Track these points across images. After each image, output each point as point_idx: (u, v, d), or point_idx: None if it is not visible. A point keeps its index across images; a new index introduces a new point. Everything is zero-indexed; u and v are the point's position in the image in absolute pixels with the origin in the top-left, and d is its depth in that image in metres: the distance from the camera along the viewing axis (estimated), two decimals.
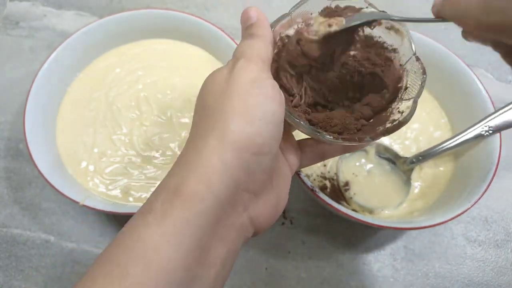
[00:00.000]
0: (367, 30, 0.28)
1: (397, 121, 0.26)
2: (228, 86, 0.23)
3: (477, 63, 0.56)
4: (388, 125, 0.26)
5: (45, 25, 0.56)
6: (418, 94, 0.26)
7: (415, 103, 0.26)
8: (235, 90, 0.23)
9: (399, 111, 0.27)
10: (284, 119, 0.24)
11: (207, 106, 0.24)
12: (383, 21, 0.27)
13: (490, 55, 0.57)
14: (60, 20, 0.57)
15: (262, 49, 0.25)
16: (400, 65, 0.28)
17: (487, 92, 0.43)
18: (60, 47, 0.44)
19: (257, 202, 0.25)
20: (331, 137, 0.25)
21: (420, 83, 0.26)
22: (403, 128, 0.46)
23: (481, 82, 0.43)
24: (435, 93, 0.48)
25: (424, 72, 0.26)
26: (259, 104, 0.22)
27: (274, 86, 0.23)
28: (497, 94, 0.46)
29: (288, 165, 0.28)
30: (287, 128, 0.27)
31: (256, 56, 0.24)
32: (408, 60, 0.27)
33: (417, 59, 0.27)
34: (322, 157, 0.30)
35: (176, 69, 0.48)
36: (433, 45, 0.45)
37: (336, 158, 0.44)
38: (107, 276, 0.19)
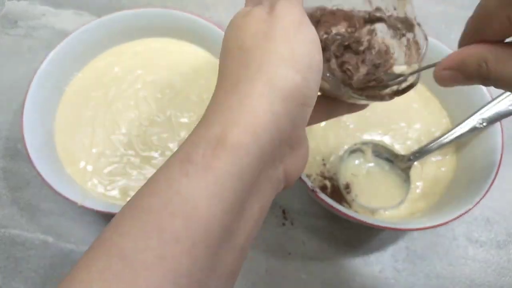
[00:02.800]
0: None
1: (408, 83, 0.26)
2: (270, 28, 0.21)
3: None
4: (402, 85, 0.27)
5: (44, 24, 0.56)
6: (421, 59, 0.27)
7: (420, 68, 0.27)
8: (279, 33, 0.21)
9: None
10: None
11: (245, 47, 0.21)
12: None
13: None
14: (58, 19, 0.56)
15: None
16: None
17: (489, 91, 0.43)
18: (59, 46, 0.44)
19: (292, 155, 0.24)
20: (356, 95, 0.25)
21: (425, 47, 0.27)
22: (405, 128, 0.47)
23: None
24: (436, 92, 0.48)
25: (426, 38, 0.27)
26: (307, 51, 0.21)
27: (316, 33, 0.22)
28: (498, 92, 0.46)
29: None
30: None
31: None
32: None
33: (418, 25, 0.28)
34: (329, 115, 0.29)
35: (176, 68, 0.48)
36: (434, 45, 0.45)
37: (335, 158, 0.43)
38: (143, 228, 0.18)
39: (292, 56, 0.20)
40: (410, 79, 0.27)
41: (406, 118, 0.46)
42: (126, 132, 0.44)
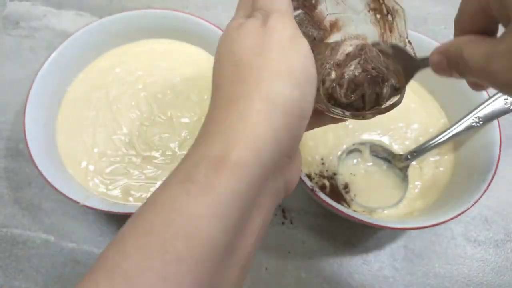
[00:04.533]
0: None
1: (391, 103, 0.27)
2: (265, 42, 0.21)
3: None
4: (385, 104, 0.27)
5: (45, 25, 0.56)
6: (409, 80, 0.27)
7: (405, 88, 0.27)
8: (274, 47, 0.21)
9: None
10: None
11: (241, 63, 0.21)
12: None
13: None
14: (60, 20, 0.57)
15: (289, 4, 0.23)
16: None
17: (487, 92, 0.43)
18: (60, 47, 0.44)
19: (291, 165, 0.24)
20: (340, 112, 0.25)
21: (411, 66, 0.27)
22: (403, 128, 0.47)
23: None
24: (434, 93, 0.48)
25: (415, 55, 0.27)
26: (302, 65, 0.21)
27: (309, 46, 0.22)
28: (495, 92, 0.46)
29: None
30: None
31: (289, 10, 0.22)
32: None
33: (410, 43, 0.28)
34: (312, 126, 0.29)
35: (176, 69, 0.48)
36: (433, 45, 0.45)
37: (334, 158, 0.44)
38: (146, 249, 0.18)
39: (289, 70, 0.20)
40: (394, 98, 0.27)
41: (405, 118, 0.47)
42: (127, 132, 0.44)
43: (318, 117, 0.29)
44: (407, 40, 0.27)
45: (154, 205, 0.19)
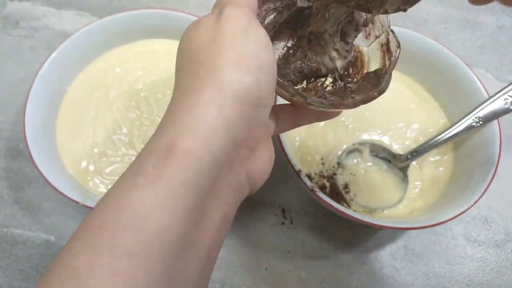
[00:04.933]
0: None
1: (376, 92, 0.26)
2: (217, 35, 0.21)
3: (477, 63, 0.56)
4: (368, 93, 0.26)
5: (45, 25, 0.56)
6: (392, 67, 0.26)
7: (389, 75, 0.26)
8: (225, 38, 0.21)
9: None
10: None
11: (194, 57, 0.21)
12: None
13: (490, 55, 0.57)
14: (60, 20, 0.57)
15: None
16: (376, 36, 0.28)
17: (487, 92, 0.43)
18: (60, 47, 0.44)
19: (253, 158, 0.23)
20: (319, 101, 0.25)
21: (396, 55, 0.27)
22: (403, 128, 0.47)
23: (481, 82, 0.43)
24: (434, 93, 0.48)
25: (398, 46, 0.27)
26: (254, 53, 0.20)
27: (265, 35, 0.22)
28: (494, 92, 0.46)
29: (273, 125, 0.27)
30: None
31: (244, 2, 0.22)
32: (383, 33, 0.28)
33: (392, 32, 0.27)
34: (296, 123, 0.29)
35: None
36: (433, 45, 0.45)
37: (334, 158, 0.44)
38: (95, 244, 0.17)
39: (240, 58, 0.20)
40: (382, 83, 0.26)
41: (405, 118, 0.47)
42: (127, 132, 0.44)
43: (303, 114, 0.28)
44: (389, 30, 0.27)
45: (106, 200, 0.19)
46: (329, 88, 0.29)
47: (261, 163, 0.24)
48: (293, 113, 0.28)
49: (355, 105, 0.25)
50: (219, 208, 0.21)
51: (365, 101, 0.25)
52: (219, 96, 0.20)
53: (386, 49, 0.28)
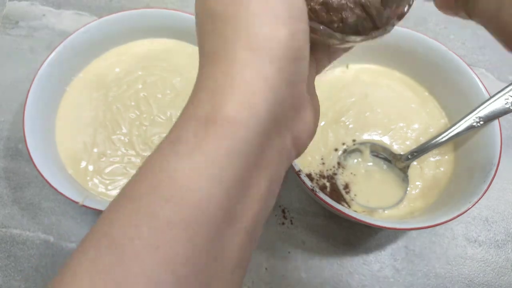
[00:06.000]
0: None
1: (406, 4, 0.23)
2: None
3: (477, 63, 0.56)
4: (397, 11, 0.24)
5: (45, 25, 0.56)
6: None
7: None
8: None
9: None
10: None
11: (217, 15, 0.19)
12: None
13: (490, 55, 0.57)
14: (59, 20, 0.56)
15: None
16: None
17: (487, 91, 0.43)
18: (60, 46, 0.44)
19: (298, 118, 0.21)
20: (359, 38, 0.22)
21: None
22: (404, 129, 0.47)
23: (481, 82, 0.43)
24: (435, 93, 0.48)
25: None
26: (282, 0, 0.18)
27: None
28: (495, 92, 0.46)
29: (314, 69, 0.25)
30: None
31: None
32: None
33: None
34: (329, 59, 0.27)
35: (176, 68, 0.48)
36: (433, 45, 0.45)
37: (334, 157, 0.44)
38: (133, 215, 0.16)
39: (268, 9, 0.18)
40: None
41: (405, 119, 0.46)
42: (127, 132, 0.44)
43: (324, 51, 0.26)
44: None
45: (143, 170, 0.18)
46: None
47: (306, 122, 0.22)
48: (326, 47, 0.26)
49: (392, 25, 0.23)
50: (265, 177, 0.19)
51: (400, 17, 0.23)
52: (254, 56, 0.18)
53: None
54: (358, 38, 0.23)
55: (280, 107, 0.19)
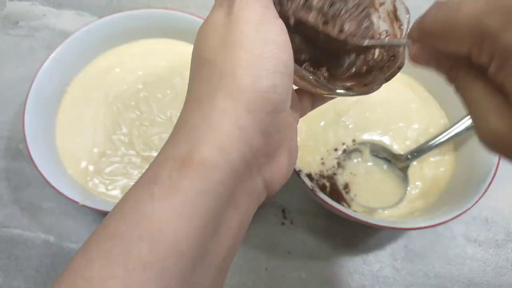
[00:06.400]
0: None
1: (395, 68, 0.24)
2: (228, 34, 0.19)
3: None
4: (386, 72, 0.25)
5: (45, 25, 0.56)
6: (405, 36, 0.25)
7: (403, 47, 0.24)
8: (237, 37, 0.19)
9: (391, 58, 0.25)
10: None
11: (205, 60, 0.20)
12: None
13: None
14: (59, 20, 0.56)
15: None
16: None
17: None
18: (60, 47, 0.44)
19: (271, 164, 0.22)
20: (343, 90, 0.23)
21: (406, 25, 0.25)
22: (404, 129, 0.47)
23: None
24: (435, 93, 0.48)
25: (407, 12, 0.25)
26: (269, 54, 0.19)
27: (281, 29, 0.20)
28: None
29: (294, 120, 0.25)
30: None
31: None
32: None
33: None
34: (313, 105, 0.28)
35: (176, 69, 0.48)
36: None
37: (334, 158, 0.44)
38: (109, 254, 0.17)
39: (254, 61, 0.19)
40: (399, 57, 0.24)
41: (405, 119, 0.46)
42: (127, 132, 0.44)
43: (315, 95, 0.27)
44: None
45: (121, 208, 0.19)
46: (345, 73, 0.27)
47: (280, 167, 0.23)
48: (310, 95, 0.27)
49: (379, 85, 0.24)
50: (235, 216, 0.20)
51: (388, 79, 0.24)
52: (233, 104, 0.19)
53: (393, 16, 0.26)
54: (343, 92, 0.24)
55: (253, 155, 0.20)
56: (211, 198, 0.18)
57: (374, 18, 0.27)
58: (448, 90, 0.47)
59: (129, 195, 0.19)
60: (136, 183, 0.19)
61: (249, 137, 0.19)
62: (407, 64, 0.47)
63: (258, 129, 0.19)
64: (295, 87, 0.26)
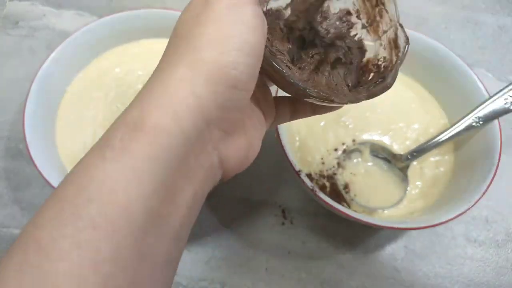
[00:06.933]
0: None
1: (381, 87, 0.25)
2: (202, 13, 0.20)
3: (477, 63, 0.56)
4: (371, 87, 0.25)
5: (45, 25, 0.56)
6: (400, 63, 0.26)
7: (396, 71, 0.25)
8: (209, 16, 0.20)
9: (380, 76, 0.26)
10: (262, 66, 0.21)
11: (179, 35, 0.21)
12: None
13: (490, 55, 0.57)
14: (59, 20, 0.56)
15: None
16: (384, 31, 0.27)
17: (487, 91, 0.43)
18: (60, 46, 0.44)
19: (228, 142, 0.23)
20: (318, 93, 0.24)
21: (403, 50, 0.26)
22: (404, 129, 0.47)
23: (481, 82, 0.43)
24: (435, 93, 0.48)
25: (407, 41, 0.26)
26: (236, 33, 0.20)
27: (256, 14, 0.20)
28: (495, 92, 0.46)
29: (262, 117, 0.26)
30: (263, 79, 0.26)
31: None
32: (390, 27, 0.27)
33: (401, 26, 0.26)
34: (293, 116, 0.29)
35: None
36: (434, 45, 0.45)
37: (334, 158, 0.44)
38: (59, 216, 0.17)
39: (220, 38, 0.19)
40: (387, 79, 0.25)
41: (405, 119, 0.47)
42: None
43: (296, 105, 0.28)
44: (398, 24, 0.26)
45: (72, 174, 0.19)
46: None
47: (236, 149, 0.23)
48: (290, 105, 0.28)
49: (358, 100, 0.25)
50: (189, 187, 0.20)
51: (370, 96, 0.25)
52: (192, 73, 0.19)
53: (394, 44, 0.27)
54: (314, 91, 0.24)
55: (207, 125, 0.20)
56: (161, 163, 0.18)
57: (375, 44, 0.28)
58: (448, 90, 0.47)
59: (81, 161, 0.19)
60: (90, 150, 0.20)
61: (204, 106, 0.19)
62: (407, 64, 0.47)
63: (215, 100, 0.20)
64: (283, 93, 0.27)
